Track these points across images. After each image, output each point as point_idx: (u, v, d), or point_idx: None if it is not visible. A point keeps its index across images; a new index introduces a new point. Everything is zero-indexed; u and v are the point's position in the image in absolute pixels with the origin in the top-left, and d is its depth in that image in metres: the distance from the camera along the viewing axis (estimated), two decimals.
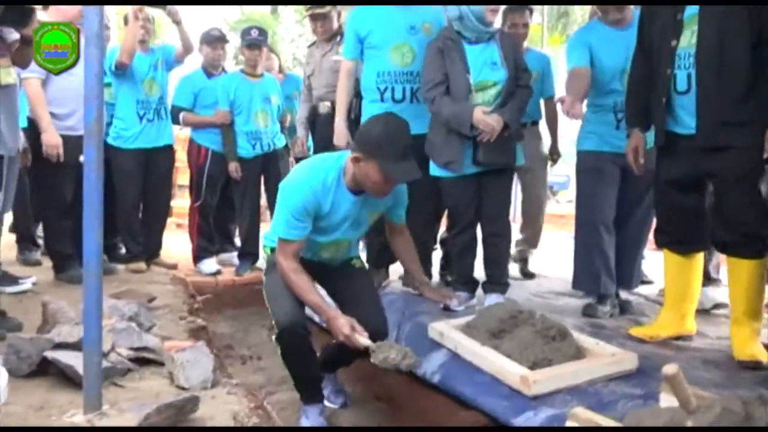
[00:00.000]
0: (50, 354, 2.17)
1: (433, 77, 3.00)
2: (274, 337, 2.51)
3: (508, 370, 2.20)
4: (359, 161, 2.26)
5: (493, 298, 3.07)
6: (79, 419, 1.84)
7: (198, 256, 4.53)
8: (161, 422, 1.77)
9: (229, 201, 4.67)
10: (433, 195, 3.21)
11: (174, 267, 4.43)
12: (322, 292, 2.54)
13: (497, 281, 3.17)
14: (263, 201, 4.79)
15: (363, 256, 3.09)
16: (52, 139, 3.40)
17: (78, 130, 3.40)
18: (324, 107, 3.88)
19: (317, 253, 2.52)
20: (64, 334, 2.30)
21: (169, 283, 3.89)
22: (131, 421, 1.60)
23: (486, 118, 2.86)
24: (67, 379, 2.14)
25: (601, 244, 3.01)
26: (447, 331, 2.61)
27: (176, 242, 5.65)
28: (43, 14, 3.08)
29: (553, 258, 4.42)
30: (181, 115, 4.36)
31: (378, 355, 2.13)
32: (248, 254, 4.53)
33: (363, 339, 2.19)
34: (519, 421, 2.01)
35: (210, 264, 4.48)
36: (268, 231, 2.65)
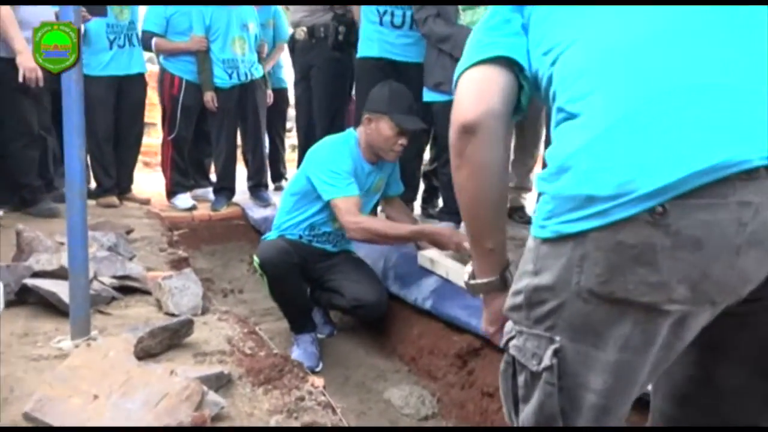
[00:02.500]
0: (30, 281, 2.07)
1: None
2: (258, 266, 2.47)
3: None
4: (371, 122, 2.51)
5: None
6: (67, 345, 1.77)
7: (172, 191, 4.39)
8: (155, 346, 1.72)
9: (204, 134, 4.51)
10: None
11: (147, 202, 4.30)
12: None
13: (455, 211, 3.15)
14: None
15: None
16: (29, 62, 3.11)
17: None
18: (300, 33, 3.71)
19: (327, 224, 2.60)
20: (43, 261, 2.21)
21: (145, 217, 3.77)
22: (123, 344, 1.54)
23: None
24: (49, 307, 2.06)
25: None
26: (437, 257, 2.59)
27: (145, 180, 5.49)
28: None
29: None
30: (153, 41, 4.13)
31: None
32: (224, 189, 4.41)
33: (467, 243, 2.32)
34: None
35: (185, 199, 4.36)
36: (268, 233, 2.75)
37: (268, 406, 1.53)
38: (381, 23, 3.12)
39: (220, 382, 1.57)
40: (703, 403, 0.94)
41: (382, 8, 3.10)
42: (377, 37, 3.15)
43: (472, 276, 1.10)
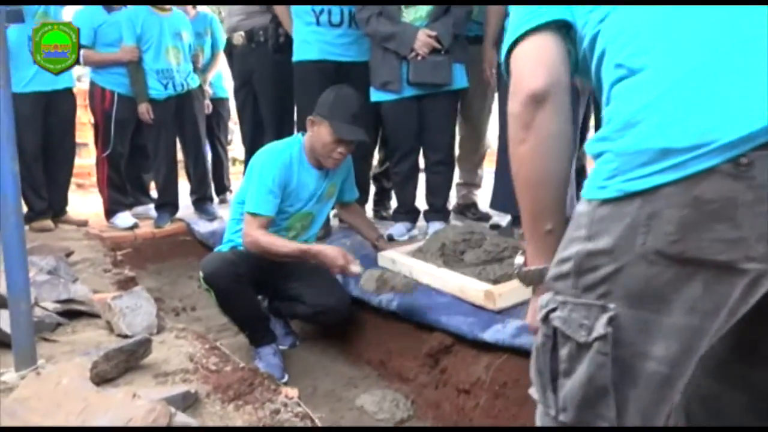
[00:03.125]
0: None
1: None
2: (202, 281, 2.36)
3: (471, 287, 2.16)
4: (314, 125, 2.43)
5: (436, 226, 3.01)
6: (11, 377, 1.62)
7: (110, 210, 4.16)
8: (110, 370, 1.59)
9: (140, 148, 4.30)
10: (372, 123, 3.08)
11: (84, 224, 4.07)
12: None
13: (440, 209, 3.11)
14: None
15: None
16: None
17: None
18: (238, 38, 3.59)
19: (288, 227, 2.53)
20: None
21: (84, 239, 3.57)
22: (77, 369, 1.41)
23: (430, 40, 2.74)
24: None
25: None
26: (398, 257, 2.54)
27: (80, 203, 5.21)
28: None
29: None
30: (81, 53, 3.90)
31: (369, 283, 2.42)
32: (167, 204, 4.22)
33: (355, 267, 2.31)
34: (488, 335, 1.97)
35: (125, 218, 4.14)
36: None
37: (241, 422, 1.43)
38: (318, 23, 3.02)
39: (187, 402, 1.46)
40: (740, 374, 0.91)
41: (318, 8, 2.99)
42: (315, 38, 3.04)
43: (524, 263, 1.02)
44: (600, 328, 0.77)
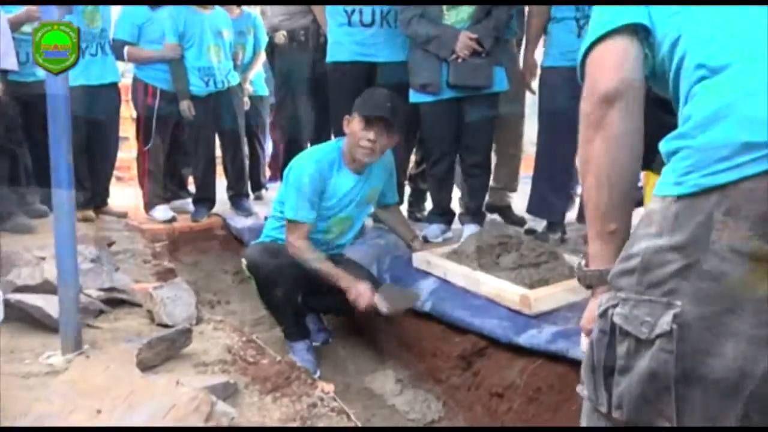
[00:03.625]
0: (13, 296, 1.96)
1: None
2: (245, 269, 2.39)
3: (506, 290, 2.16)
4: (349, 123, 2.44)
5: (471, 229, 3.00)
6: (57, 360, 1.67)
7: (150, 203, 4.24)
8: (153, 357, 1.63)
9: (180, 144, 4.39)
10: (409, 123, 3.09)
11: (124, 215, 4.16)
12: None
13: (475, 212, 3.11)
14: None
15: None
16: None
17: None
18: (280, 38, 3.63)
19: (327, 230, 2.54)
20: (25, 276, 2.10)
21: (124, 230, 3.65)
22: (123, 355, 1.45)
23: (472, 43, 2.74)
24: (33, 323, 1.95)
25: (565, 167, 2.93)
26: (434, 259, 2.54)
27: (119, 195, 5.32)
28: None
29: None
30: (126, 50, 4.01)
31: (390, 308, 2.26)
32: (204, 199, 4.28)
33: (382, 305, 2.25)
34: (522, 339, 1.97)
35: (163, 211, 4.20)
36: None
37: (278, 414, 1.46)
38: (350, 23, 3.02)
39: (227, 392, 1.49)
40: None
41: (349, 7, 2.99)
42: (347, 39, 3.04)
43: (585, 264, 1.01)
44: (664, 324, 0.77)
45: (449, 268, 2.44)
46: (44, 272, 2.07)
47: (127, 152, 6.27)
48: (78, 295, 1.69)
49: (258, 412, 1.45)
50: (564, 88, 2.74)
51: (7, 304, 1.96)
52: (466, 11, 2.83)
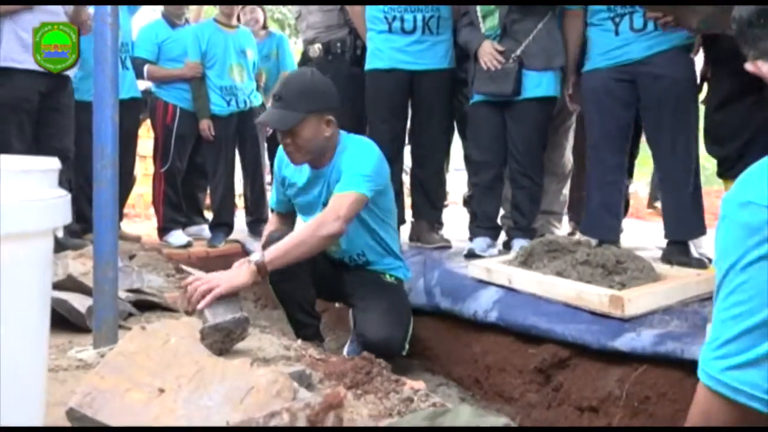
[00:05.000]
0: None
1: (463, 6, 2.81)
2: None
3: (590, 292, 1.91)
4: None
5: (521, 243, 2.75)
6: (89, 354, 1.41)
7: (164, 228, 4.02)
8: (206, 348, 1.36)
9: (197, 166, 4.19)
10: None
11: (138, 239, 3.91)
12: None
13: (525, 228, 2.87)
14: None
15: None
16: None
17: (29, 62, 2.90)
18: (315, 51, 3.49)
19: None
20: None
21: (141, 250, 3.39)
22: (186, 329, 1.20)
23: (493, 52, 2.67)
24: (55, 320, 1.68)
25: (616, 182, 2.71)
26: (495, 266, 2.30)
27: (127, 227, 5.07)
28: None
29: None
30: (146, 68, 3.86)
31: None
32: (222, 225, 4.06)
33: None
34: (620, 344, 1.71)
35: (179, 236, 3.97)
36: None
37: (367, 411, 1.19)
38: (390, 30, 2.90)
39: (303, 383, 1.23)
40: None
41: (390, 14, 2.88)
42: (387, 45, 2.93)
43: None
44: None
45: (515, 274, 2.19)
46: (68, 267, 1.82)
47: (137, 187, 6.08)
48: (116, 279, 1.44)
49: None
50: (607, 88, 2.57)
51: None
52: (497, 19, 2.72)
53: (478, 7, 2.77)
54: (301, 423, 0.87)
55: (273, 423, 0.85)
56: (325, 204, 2.11)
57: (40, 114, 2.99)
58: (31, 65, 2.91)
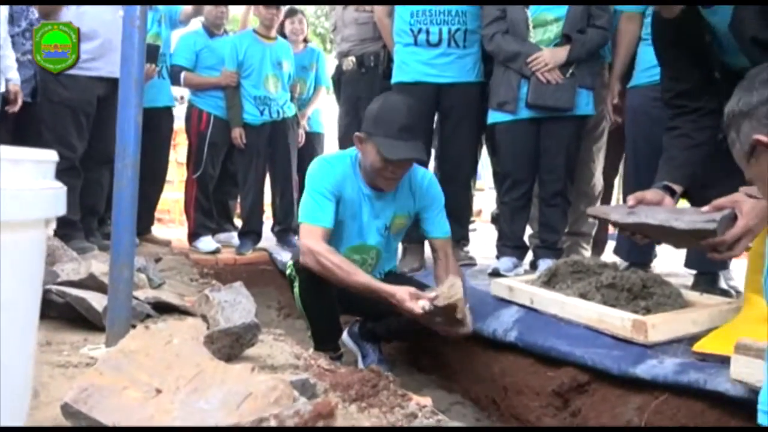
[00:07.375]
0: (55, 287, 1.73)
1: (490, 12, 2.71)
2: (291, 267, 2.20)
3: (612, 315, 1.85)
4: (362, 141, 2.13)
5: (548, 263, 2.69)
6: (100, 353, 1.42)
7: (194, 234, 4.07)
8: (214, 353, 1.36)
9: (229, 174, 4.25)
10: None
11: (167, 244, 3.97)
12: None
13: (552, 246, 2.82)
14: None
15: None
16: None
17: (92, 69, 3.00)
18: (349, 63, 3.51)
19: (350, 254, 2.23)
20: (68, 270, 1.88)
21: (169, 253, 3.44)
22: (190, 330, 1.19)
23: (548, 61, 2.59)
24: (73, 320, 1.71)
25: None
26: (517, 285, 2.26)
27: (158, 232, 5.15)
28: None
29: None
30: (183, 75, 3.95)
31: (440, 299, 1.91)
32: (250, 233, 4.09)
33: (425, 303, 1.92)
34: (640, 371, 1.65)
35: (208, 242, 4.03)
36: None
37: (369, 424, 1.17)
38: (416, 43, 2.88)
39: (306, 392, 1.21)
40: None
41: (416, 27, 2.86)
42: (412, 59, 2.91)
43: None
44: None
45: (538, 294, 2.14)
46: (90, 267, 1.85)
47: (170, 192, 6.19)
48: (131, 278, 1.45)
49: (343, 421, 1.17)
50: (645, 107, 2.52)
51: (46, 298, 1.74)
52: (553, 31, 2.67)
53: (530, 16, 2.67)
54: None
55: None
56: (381, 230, 2.24)
57: (96, 116, 3.09)
58: (95, 72, 3.04)
